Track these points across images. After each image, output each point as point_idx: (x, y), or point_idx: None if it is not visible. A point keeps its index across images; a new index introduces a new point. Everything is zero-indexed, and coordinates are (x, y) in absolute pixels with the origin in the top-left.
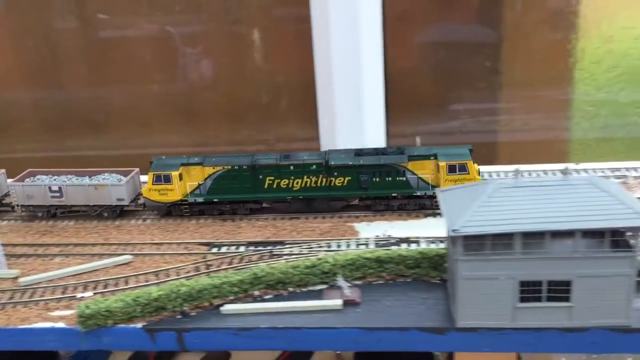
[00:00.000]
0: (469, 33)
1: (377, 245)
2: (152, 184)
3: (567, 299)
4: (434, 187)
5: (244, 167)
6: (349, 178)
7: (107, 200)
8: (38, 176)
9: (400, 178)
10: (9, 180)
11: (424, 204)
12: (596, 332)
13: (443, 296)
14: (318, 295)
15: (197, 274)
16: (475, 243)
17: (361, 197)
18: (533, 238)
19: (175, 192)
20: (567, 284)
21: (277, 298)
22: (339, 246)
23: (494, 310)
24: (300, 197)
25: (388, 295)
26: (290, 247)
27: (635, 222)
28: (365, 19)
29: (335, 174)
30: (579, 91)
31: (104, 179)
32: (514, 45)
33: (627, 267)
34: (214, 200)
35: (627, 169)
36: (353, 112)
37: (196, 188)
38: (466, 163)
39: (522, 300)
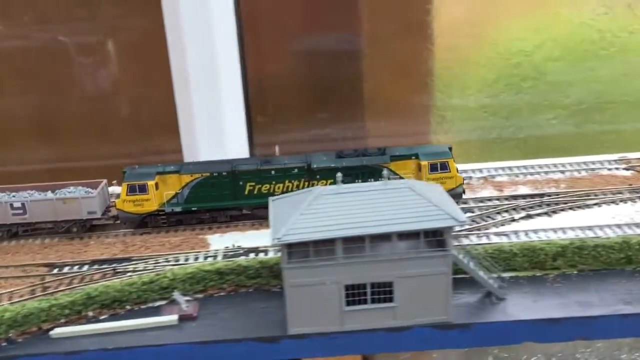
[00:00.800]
0: (333, 42)
1: (225, 256)
2: (127, 195)
3: (390, 300)
4: None
5: (223, 173)
6: (332, 180)
7: (77, 214)
8: None
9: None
10: None
11: None
12: (420, 330)
13: (281, 304)
14: (157, 311)
15: (32, 297)
16: (299, 251)
17: None
18: (354, 243)
19: (151, 202)
20: (389, 285)
21: (113, 318)
22: (187, 260)
23: (322, 315)
24: None
25: (228, 307)
26: (136, 264)
27: (447, 223)
28: (220, 30)
29: (318, 177)
30: (436, 98)
31: (70, 192)
32: (375, 54)
33: (443, 265)
34: (193, 209)
35: (473, 170)
36: (213, 123)
37: (173, 197)
38: (447, 161)
39: (349, 303)
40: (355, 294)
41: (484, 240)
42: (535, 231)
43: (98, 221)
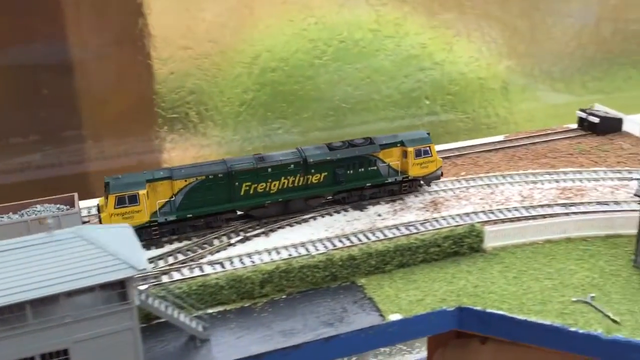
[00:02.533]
0: (38, 55)
1: None
2: (115, 208)
3: None
4: (401, 173)
5: (219, 175)
6: (326, 173)
7: None
8: None
9: (372, 168)
10: None
11: (393, 190)
12: None
13: None
14: None
15: None
16: None
17: (337, 191)
18: (9, 312)
19: (142, 213)
20: (65, 352)
21: None
22: None
23: None
24: (279, 199)
25: None
26: None
27: (125, 273)
28: None
29: (313, 171)
30: (159, 112)
31: (38, 211)
32: (87, 67)
33: (128, 320)
34: (188, 216)
35: None
36: None
37: (164, 206)
38: (429, 146)
39: None
40: None
41: (197, 272)
42: (249, 255)
43: None
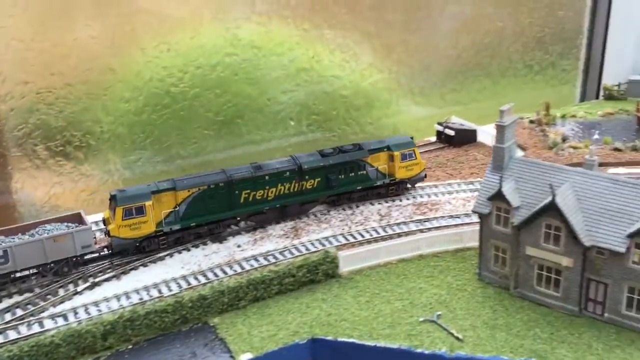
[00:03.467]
0: None
1: None
2: (122, 220)
3: None
4: (388, 176)
5: (220, 184)
6: (319, 179)
7: (70, 251)
8: None
9: (362, 172)
10: None
11: (379, 193)
12: None
13: None
14: None
15: None
16: None
17: (329, 195)
18: None
19: (149, 223)
20: None
21: None
22: None
23: None
24: (277, 205)
25: None
26: None
27: None
28: None
29: (307, 177)
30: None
31: (49, 230)
32: None
33: None
34: (191, 224)
35: None
36: None
37: (169, 215)
38: (414, 150)
39: None
40: None
41: (37, 328)
42: (96, 303)
43: (91, 254)
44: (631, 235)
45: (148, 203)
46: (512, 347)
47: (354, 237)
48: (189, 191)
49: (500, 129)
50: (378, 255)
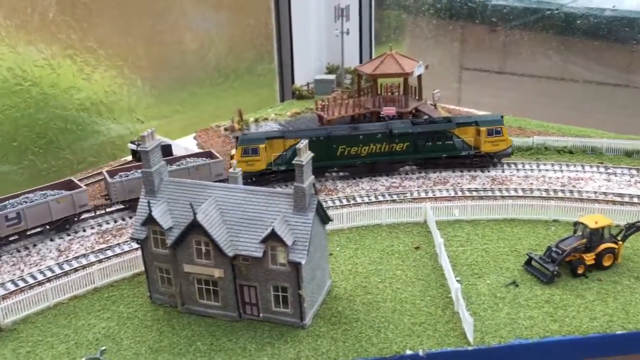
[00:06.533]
0: None
1: None
2: (241, 157)
3: None
4: (474, 148)
5: (320, 138)
6: (408, 143)
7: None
8: None
9: (448, 142)
10: None
11: (464, 162)
12: None
13: None
14: None
15: None
16: None
17: (417, 158)
18: None
19: (261, 162)
20: None
21: None
22: None
23: None
24: (368, 161)
25: None
26: None
27: None
28: None
29: (397, 140)
30: None
31: (191, 162)
32: None
33: None
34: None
35: None
36: None
37: (277, 158)
38: (501, 127)
39: None
40: None
41: None
42: None
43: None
44: (264, 240)
45: (262, 146)
46: None
47: (25, 281)
48: (295, 140)
49: (145, 154)
50: (47, 298)
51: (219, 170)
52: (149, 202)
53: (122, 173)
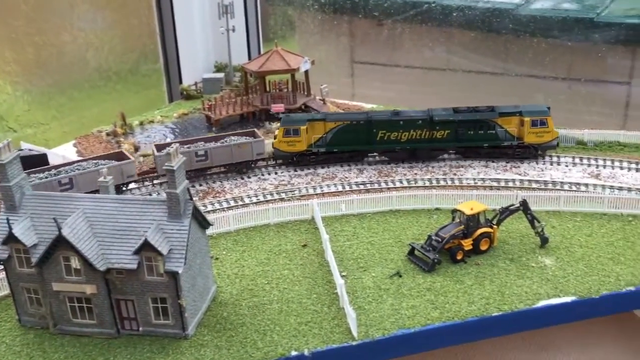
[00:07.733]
0: None
1: None
2: (282, 137)
3: None
4: (517, 139)
5: (361, 122)
6: (449, 131)
7: (249, 156)
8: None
9: (491, 131)
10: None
11: (507, 153)
12: None
13: None
14: None
15: None
16: None
17: (457, 147)
18: None
19: (302, 143)
20: None
21: None
22: None
23: None
24: (407, 147)
25: None
26: None
27: None
28: None
29: (437, 127)
30: None
31: (235, 140)
32: None
33: None
34: (334, 150)
35: None
36: None
37: (318, 140)
38: (546, 118)
39: None
40: None
41: None
42: None
43: (262, 161)
44: (138, 251)
45: (303, 127)
46: None
47: None
48: (335, 123)
49: (1, 167)
50: None
51: (259, 149)
52: (7, 220)
53: None
